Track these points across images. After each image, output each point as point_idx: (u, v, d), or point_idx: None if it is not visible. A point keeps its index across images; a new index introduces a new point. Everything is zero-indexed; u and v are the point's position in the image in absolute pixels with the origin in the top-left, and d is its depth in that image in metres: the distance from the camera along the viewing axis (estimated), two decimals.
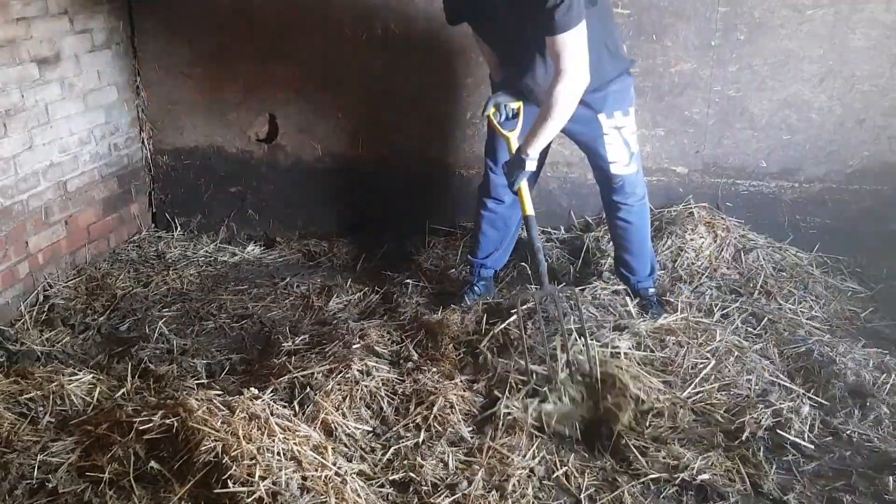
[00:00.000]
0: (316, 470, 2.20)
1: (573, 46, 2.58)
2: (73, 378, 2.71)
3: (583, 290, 3.26)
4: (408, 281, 3.56)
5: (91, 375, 2.76)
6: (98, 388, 2.70)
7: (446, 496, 2.23)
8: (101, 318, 3.27)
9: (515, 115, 2.99)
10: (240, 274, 3.81)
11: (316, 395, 2.56)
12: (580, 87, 2.66)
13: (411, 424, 2.54)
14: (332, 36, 3.84)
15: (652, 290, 3.26)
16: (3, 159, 3.17)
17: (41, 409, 2.59)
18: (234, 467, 2.14)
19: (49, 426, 2.52)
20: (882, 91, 3.61)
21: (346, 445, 2.42)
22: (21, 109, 3.24)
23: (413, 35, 3.80)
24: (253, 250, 4.05)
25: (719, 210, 3.86)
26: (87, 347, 3.10)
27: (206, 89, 4.03)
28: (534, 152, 2.78)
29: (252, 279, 3.75)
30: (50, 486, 2.24)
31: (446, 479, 2.31)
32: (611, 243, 3.70)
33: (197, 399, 2.43)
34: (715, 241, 3.62)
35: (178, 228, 4.20)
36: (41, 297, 3.39)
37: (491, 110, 2.96)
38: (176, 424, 2.33)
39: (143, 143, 4.14)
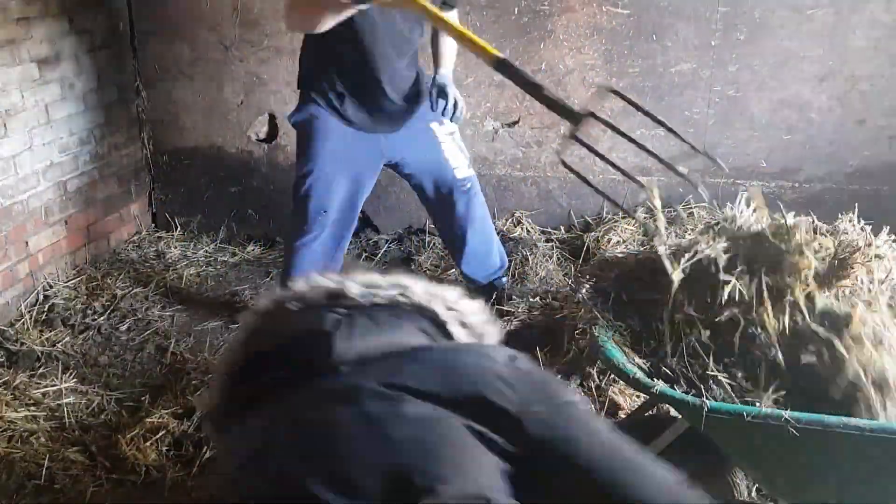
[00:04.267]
0: None
1: None
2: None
3: None
4: None
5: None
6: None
7: None
8: (101, 318, 3.28)
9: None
10: (240, 274, 3.81)
11: None
12: None
13: None
14: None
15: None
16: (3, 159, 3.17)
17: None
18: None
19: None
20: (882, 91, 3.61)
21: None
22: (21, 109, 3.24)
23: None
24: (253, 250, 4.05)
25: (719, 210, 3.86)
26: (87, 348, 3.10)
27: (206, 89, 4.03)
28: None
29: (252, 279, 3.75)
30: (57, 486, 2.26)
31: None
32: (611, 242, 3.71)
33: (197, 401, 2.43)
34: None
35: (178, 228, 4.20)
36: (41, 297, 3.39)
37: None
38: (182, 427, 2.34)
39: (143, 143, 4.14)
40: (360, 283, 1.24)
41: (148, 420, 2.53)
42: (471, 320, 1.28)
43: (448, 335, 1.25)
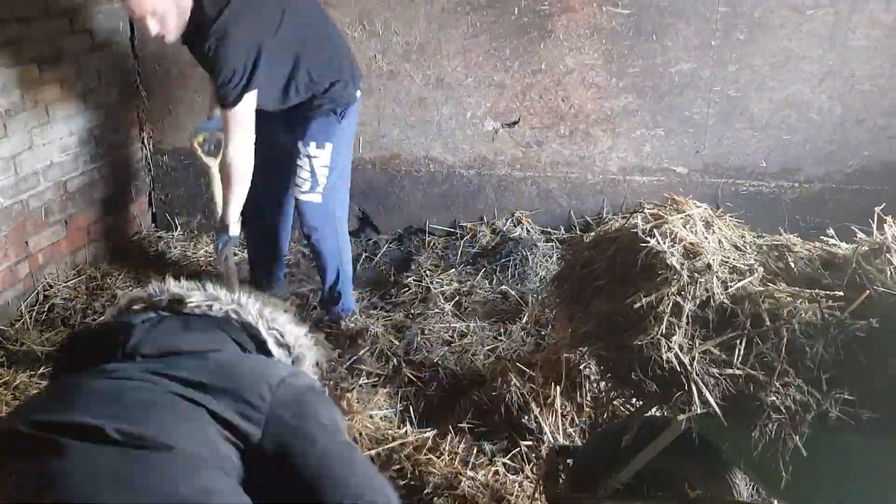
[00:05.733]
0: None
1: (239, 118, 2.76)
2: None
3: None
4: (408, 280, 3.56)
5: None
6: None
7: (447, 496, 2.23)
8: (101, 319, 3.27)
9: (219, 146, 3.04)
10: (240, 274, 3.80)
11: None
12: (249, 149, 2.81)
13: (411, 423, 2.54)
14: None
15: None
16: (3, 159, 3.17)
17: None
18: None
19: None
20: (882, 91, 3.61)
21: None
22: (21, 109, 3.24)
23: (413, 35, 3.80)
24: None
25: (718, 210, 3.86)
26: None
27: (206, 89, 4.02)
28: (234, 218, 2.91)
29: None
30: None
31: (448, 478, 2.32)
32: None
33: None
34: None
35: (178, 228, 4.20)
36: (41, 297, 3.39)
37: (199, 138, 3.07)
38: None
39: (143, 143, 4.14)
40: (204, 295, 1.34)
41: None
42: (287, 340, 1.36)
43: (267, 353, 1.33)
